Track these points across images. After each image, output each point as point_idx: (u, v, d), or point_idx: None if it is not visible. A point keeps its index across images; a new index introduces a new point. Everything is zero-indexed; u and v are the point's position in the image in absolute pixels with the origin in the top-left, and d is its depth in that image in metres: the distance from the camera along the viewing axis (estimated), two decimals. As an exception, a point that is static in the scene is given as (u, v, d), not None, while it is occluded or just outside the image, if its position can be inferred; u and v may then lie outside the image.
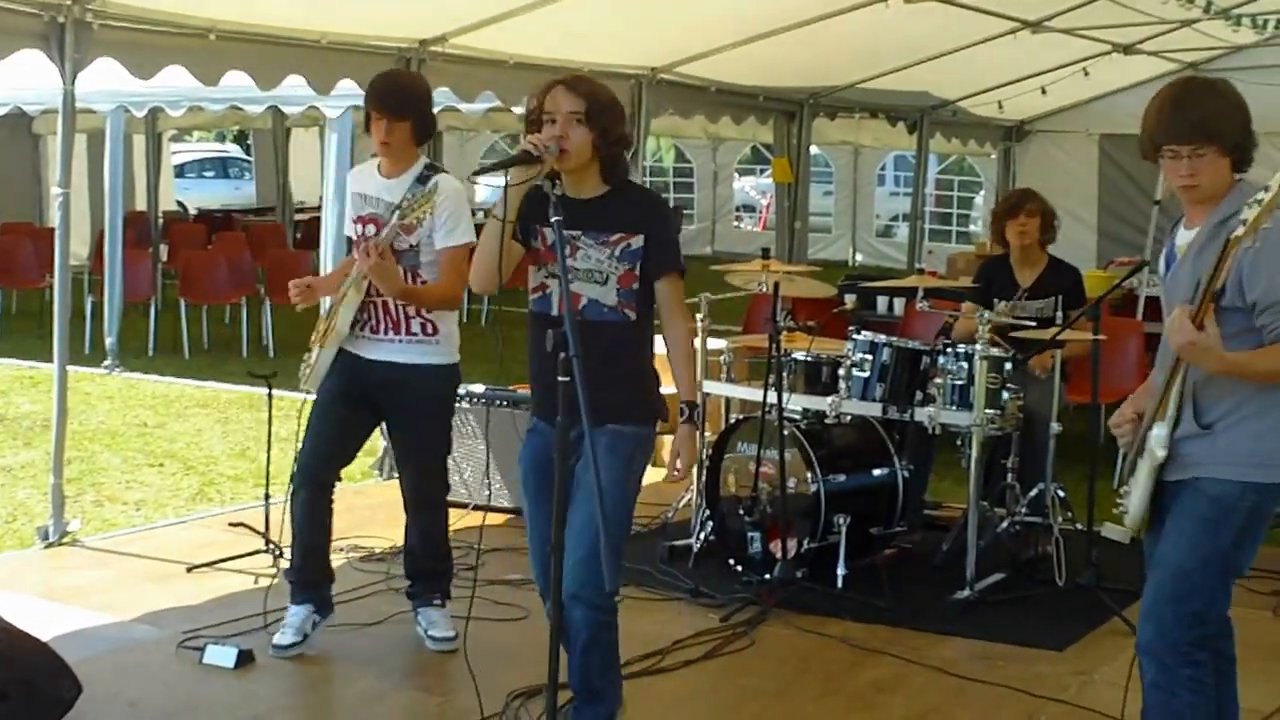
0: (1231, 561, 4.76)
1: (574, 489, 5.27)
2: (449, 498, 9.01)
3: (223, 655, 6.67)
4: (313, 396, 6.93)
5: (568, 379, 4.73)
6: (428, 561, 7.13)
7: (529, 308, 5.50)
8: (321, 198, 14.63)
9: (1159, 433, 4.72)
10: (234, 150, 37.66)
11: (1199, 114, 4.65)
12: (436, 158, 23.96)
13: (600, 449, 4.98)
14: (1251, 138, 4.73)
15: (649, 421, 5.55)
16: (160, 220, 22.03)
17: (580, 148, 5.29)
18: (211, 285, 17.05)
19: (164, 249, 21.00)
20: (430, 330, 6.76)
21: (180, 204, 28.89)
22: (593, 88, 5.41)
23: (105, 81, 11.40)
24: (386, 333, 6.76)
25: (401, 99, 6.70)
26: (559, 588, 4.96)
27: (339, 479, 7.03)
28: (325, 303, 7.21)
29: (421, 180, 6.71)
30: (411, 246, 6.65)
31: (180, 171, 32.41)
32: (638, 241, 5.39)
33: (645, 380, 5.56)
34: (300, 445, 6.92)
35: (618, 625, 5.53)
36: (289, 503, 6.94)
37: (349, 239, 7.02)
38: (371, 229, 6.73)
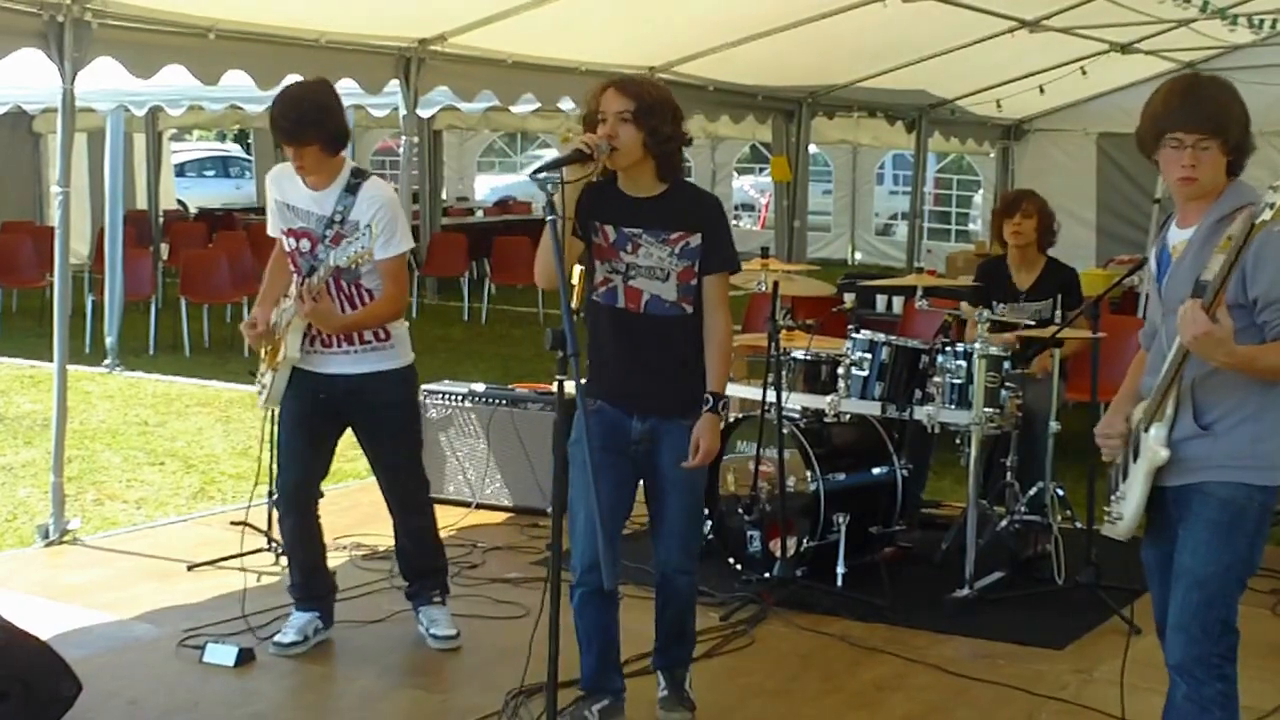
0: (1250, 563, 4.72)
1: (661, 483, 5.81)
2: (451, 497, 9.08)
3: (223, 654, 6.68)
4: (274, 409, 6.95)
5: (564, 376, 4.83)
6: (422, 560, 7.13)
7: (594, 297, 5.73)
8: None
9: (1159, 433, 4.68)
10: (234, 149, 37.66)
11: (1209, 105, 4.61)
12: (436, 156, 24.09)
13: (680, 445, 5.69)
14: (1250, 140, 4.70)
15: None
16: (161, 219, 22.05)
17: (630, 146, 5.51)
18: (212, 284, 17.04)
19: (164, 248, 21.03)
20: (383, 336, 6.73)
21: (181, 203, 28.90)
22: (642, 88, 5.62)
23: (105, 80, 11.41)
24: (339, 345, 6.70)
25: (299, 126, 6.44)
26: (558, 587, 5.00)
27: (321, 494, 7.02)
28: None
29: (350, 189, 6.57)
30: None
31: (181, 170, 32.41)
32: (696, 240, 5.64)
33: (701, 371, 5.83)
34: (275, 471, 6.94)
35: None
36: (279, 525, 7.02)
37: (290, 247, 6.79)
38: (306, 243, 6.64)
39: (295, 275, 6.70)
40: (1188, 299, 4.40)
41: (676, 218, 5.64)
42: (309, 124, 6.45)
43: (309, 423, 6.82)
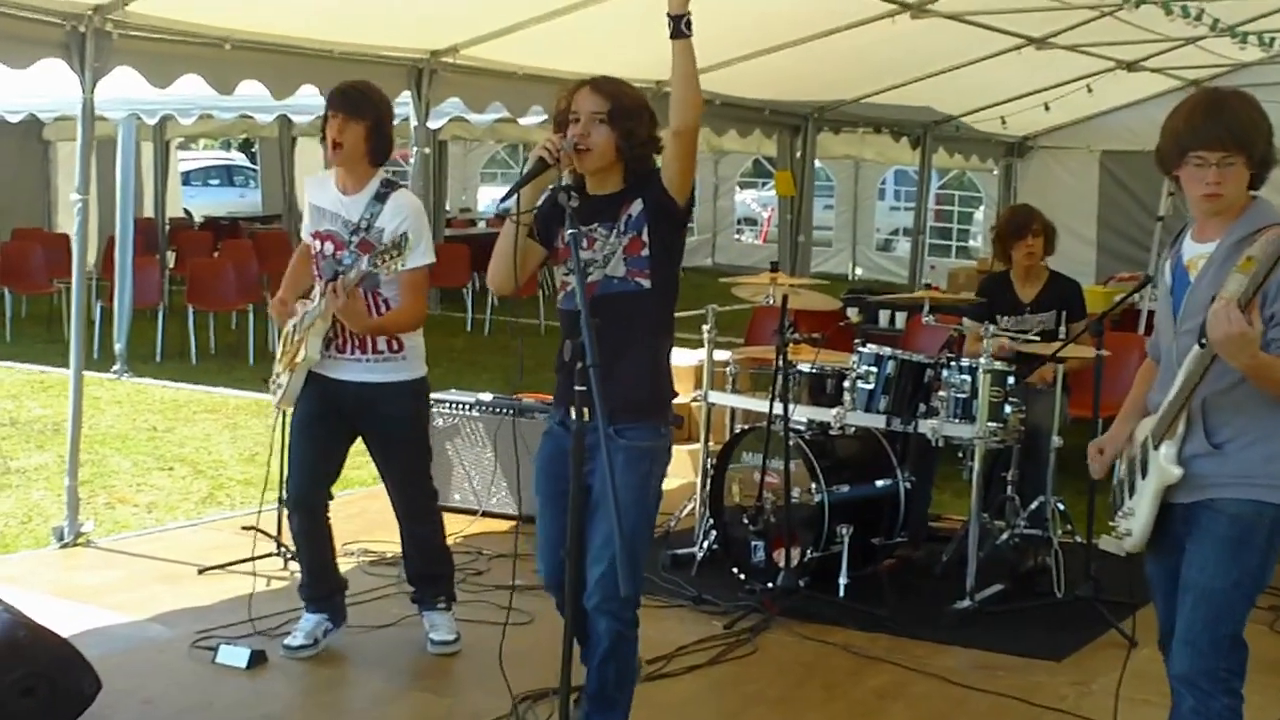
0: (1259, 579, 4.72)
1: (593, 504, 5.26)
2: (457, 505, 9.16)
3: (235, 655, 6.77)
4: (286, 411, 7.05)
5: (584, 388, 4.79)
6: (425, 567, 7.21)
7: (558, 305, 5.47)
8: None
9: (1169, 451, 4.69)
10: (239, 158, 37.68)
11: (1235, 122, 4.58)
12: (441, 167, 24.11)
13: (617, 466, 4.98)
14: (1273, 153, 4.67)
15: (662, 423, 5.46)
16: (167, 227, 22.12)
17: (602, 148, 5.25)
18: (218, 292, 17.11)
19: (170, 256, 21.09)
20: (396, 347, 6.78)
21: (186, 211, 28.93)
22: (619, 89, 5.36)
23: (116, 89, 11.49)
24: (353, 352, 6.76)
25: (359, 100, 6.62)
26: (575, 593, 5.06)
27: (331, 497, 7.08)
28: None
29: (380, 198, 6.66)
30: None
31: (186, 179, 32.40)
32: (636, 207, 5.32)
33: (658, 368, 5.47)
34: (285, 473, 7.00)
35: (637, 639, 5.53)
36: (288, 524, 7.08)
37: (308, 244, 6.93)
38: (330, 246, 6.73)
39: (317, 279, 6.80)
40: (1220, 303, 4.36)
41: (623, 202, 5.36)
42: (369, 104, 6.64)
43: (319, 426, 6.89)
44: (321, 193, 6.82)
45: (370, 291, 6.68)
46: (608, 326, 4.99)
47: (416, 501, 7.12)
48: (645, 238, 5.31)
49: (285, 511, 7.07)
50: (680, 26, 5.12)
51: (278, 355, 7.07)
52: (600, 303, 5.14)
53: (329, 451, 6.99)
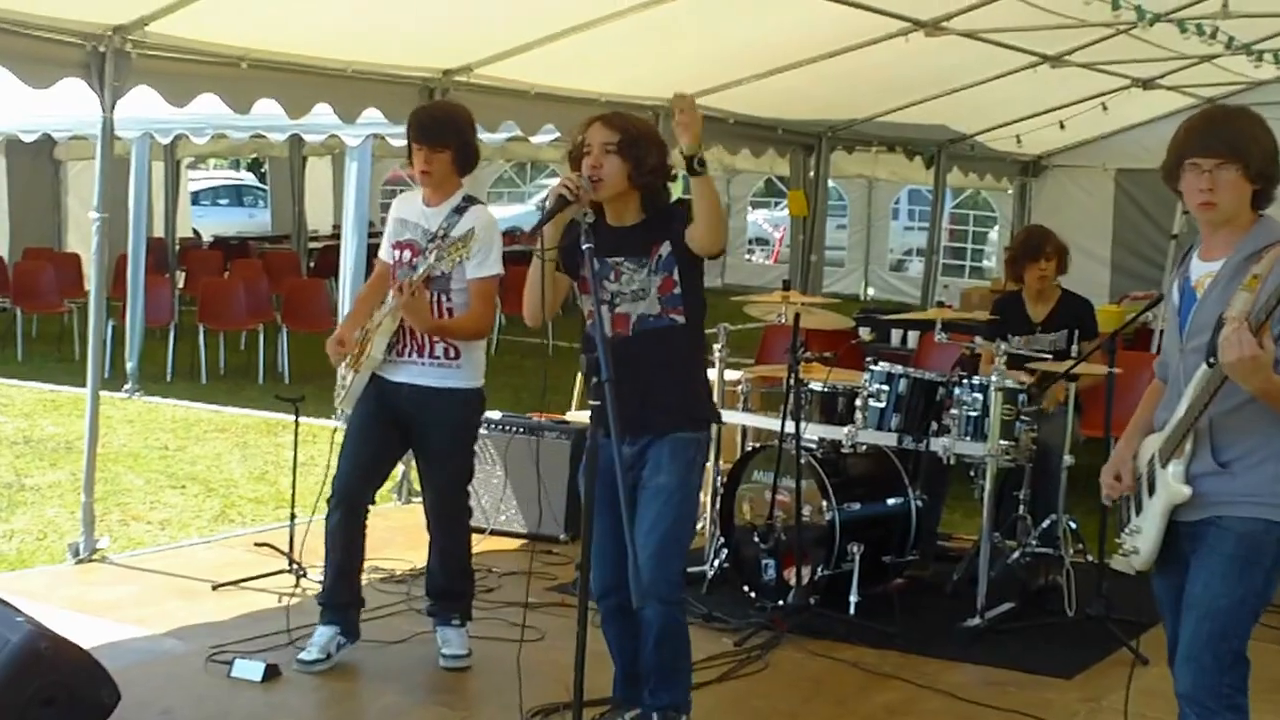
0: (1264, 597, 4.73)
1: (638, 495, 5.70)
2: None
3: (250, 669, 6.81)
4: (343, 422, 7.12)
5: (599, 402, 4.92)
6: (446, 581, 7.25)
7: (584, 332, 5.68)
8: (335, 225, 14.56)
9: (1177, 470, 4.71)
10: (248, 178, 37.70)
11: (1228, 131, 4.63)
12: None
13: (665, 455, 5.71)
14: (1277, 170, 4.69)
15: (704, 427, 5.93)
16: (177, 247, 22.12)
17: (614, 178, 5.63)
18: (229, 312, 17.10)
19: (180, 275, 21.10)
20: (453, 355, 6.92)
21: (195, 231, 28.94)
22: (628, 122, 5.75)
23: (131, 108, 11.52)
24: (411, 355, 6.90)
25: (440, 129, 6.84)
26: (585, 608, 5.08)
27: (373, 501, 7.18)
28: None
29: (459, 211, 6.86)
30: (443, 274, 6.78)
31: (195, 199, 32.40)
32: (666, 248, 5.71)
33: (696, 385, 5.94)
34: (335, 468, 7.06)
35: (685, 617, 5.95)
36: (325, 523, 7.10)
37: (386, 262, 7.11)
38: (408, 254, 6.90)
39: (393, 288, 6.89)
40: (1231, 326, 4.38)
41: (650, 238, 5.74)
42: (450, 129, 6.86)
43: (373, 427, 7.01)
44: (407, 207, 7.06)
45: (438, 295, 6.84)
46: (646, 359, 5.58)
47: (449, 512, 7.20)
48: (676, 276, 5.71)
49: (328, 507, 7.08)
50: (694, 165, 5.49)
51: (345, 361, 7.14)
52: (638, 339, 5.68)
53: (381, 453, 7.14)
